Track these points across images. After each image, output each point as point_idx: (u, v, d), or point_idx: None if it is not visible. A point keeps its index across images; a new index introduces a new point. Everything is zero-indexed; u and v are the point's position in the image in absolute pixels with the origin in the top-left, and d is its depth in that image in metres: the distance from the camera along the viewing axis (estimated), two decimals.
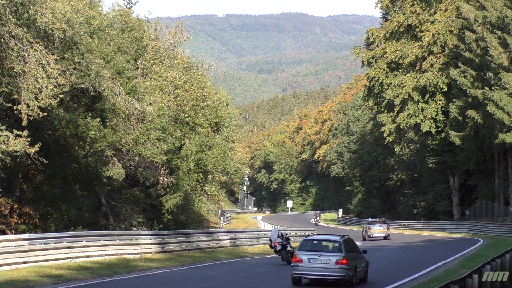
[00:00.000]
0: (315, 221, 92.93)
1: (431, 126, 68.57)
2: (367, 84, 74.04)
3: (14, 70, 25.76)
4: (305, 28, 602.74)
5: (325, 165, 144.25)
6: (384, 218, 67.47)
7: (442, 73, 66.70)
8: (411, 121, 68.62)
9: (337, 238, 21.98)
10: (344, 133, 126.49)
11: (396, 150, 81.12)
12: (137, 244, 30.83)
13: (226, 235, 39.93)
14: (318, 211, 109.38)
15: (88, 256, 26.99)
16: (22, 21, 26.00)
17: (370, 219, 63.98)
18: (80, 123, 32.05)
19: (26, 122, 25.89)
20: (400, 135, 73.97)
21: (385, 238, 57.46)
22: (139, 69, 45.21)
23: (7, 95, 26.68)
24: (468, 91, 57.78)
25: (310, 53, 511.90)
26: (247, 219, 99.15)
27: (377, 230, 58.41)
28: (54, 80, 26.00)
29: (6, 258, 22.97)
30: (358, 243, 32.28)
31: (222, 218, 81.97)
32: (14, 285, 19.57)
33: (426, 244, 46.50)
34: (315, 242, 22.17)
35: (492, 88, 52.46)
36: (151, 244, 31.73)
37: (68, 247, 26.07)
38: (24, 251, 23.79)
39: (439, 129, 68.63)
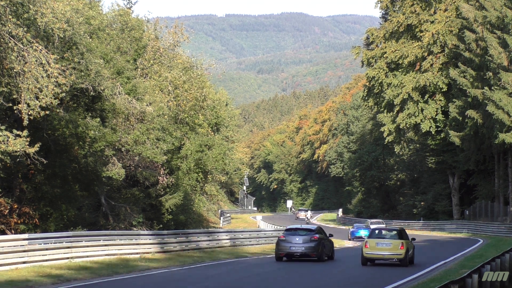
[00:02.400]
0: (292, 212, 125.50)
1: (430, 126, 68.61)
2: (367, 84, 74.07)
3: (14, 70, 25.76)
4: (305, 28, 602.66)
5: (325, 165, 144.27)
6: (308, 209, 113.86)
7: (441, 73, 66.74)
8: (411, 121, 68.65)
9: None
10: (343, 133, 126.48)
11: (395, 150, 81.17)
12: (137, 244, 30.82)
13: (226, 235, 39.93)
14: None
15: (87, 256, 26.97)
16: (22, 21, 26.00)
17: (299, 209, 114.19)
18: (79, 123, 32.05)
19: (27, 122, 25.89)
20: (399, 135, 74.01)
21: (308, 219, 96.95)
22: (139, 69, 45.22)
23: (7, 95, 26.68)
24: (467, 91, 57.81)
25: (310, 53, 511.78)
26: (247, 219, 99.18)
27: (302, 214, 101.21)
28: (54, 80, 26.01)
29: (6, 258, 22.96)
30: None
31: (221, 218, 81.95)
32: (14, 285, 19.56)
33: (426, 244, 46.50)
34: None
35: (492, 88, 52.48)
36: (151, 244, 31.72)
37: (68, 247, 26.06)
38: (24, 251, 23.78)
39: (439, 129, 68.67)
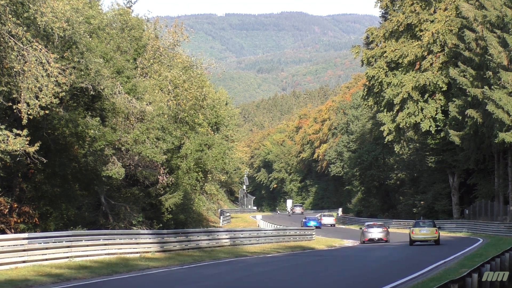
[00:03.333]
0: (277, 213, 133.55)
1: (430, 125, 68.59)
2: (367, 83, 74.07)
3: (14, 69, 25.75)
4: (305, 27, 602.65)
5: (325, 164, 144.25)
6: (302, 204, 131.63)
7: (441, 72, 66.72)
8: (411, 120, 68.63)
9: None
10: (343, 132, 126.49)
11: (395, 149, 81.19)
12: (137, 243, 30.82)
13: (226, 234, 39.93)
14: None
15: (87, 255, 26.97)
16: (21, 20, 26.00)
17: (293, 205, 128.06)
18: (79, 122, 32.06)
19: (26, 121, 25.88)
20: (399, 134, 74.01)
21: (302, 213, 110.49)
22: (139, 68, 45.21)
23: (7, 94, 26.69)
24: (467, 90, 57.80)
25: (310, 52, 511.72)
26: (247, 218, 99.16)
27: (297, 209, 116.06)
28: (54, 79, 26.01)
29: (6, 257, 22.96)
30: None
31: (221, 217, 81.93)
32: (14, 284, 19.56)
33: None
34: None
35: (492, 87, 52.48)
36: (151, 243, 31.72)
37: (68, 246, 26.06)
38: (24, 250, 23.78)
39: (439, 128, 68.65)
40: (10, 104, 26.68)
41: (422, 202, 77.54)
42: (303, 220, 77.38)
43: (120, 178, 37.37)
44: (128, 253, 29.63)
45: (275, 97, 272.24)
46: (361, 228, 55.07)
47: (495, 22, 54.94)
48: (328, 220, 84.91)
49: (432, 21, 67.31)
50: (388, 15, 72.28)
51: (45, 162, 28.50)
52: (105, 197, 39.41)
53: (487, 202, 63.34)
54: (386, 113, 71.52)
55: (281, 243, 45.43)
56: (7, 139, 25.52)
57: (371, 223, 54.80)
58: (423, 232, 43.11)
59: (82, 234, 27.80)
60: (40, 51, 25.78)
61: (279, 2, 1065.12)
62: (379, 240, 48.56)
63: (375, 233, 49.16)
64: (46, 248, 24.94)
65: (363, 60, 72.42)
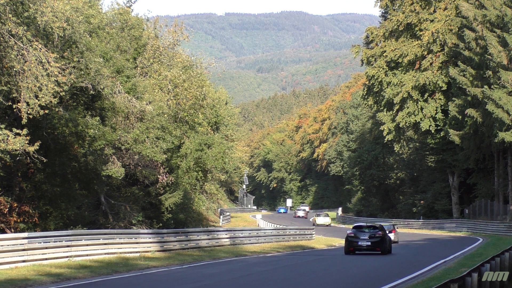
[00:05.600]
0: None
1: (430, 125, 68.60)
2: (367, 82, 74.11)
3: (14, 69, 25.74)
4: (305, 26, 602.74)
5: (325, 164, 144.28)
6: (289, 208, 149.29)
7: (441, 72, 66.73)
8: (411, 119, 68.64)
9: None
10: (343, 131, 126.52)
11: (395, 148, 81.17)
12: (137, 243, 30.80)
13: (226, 234, 39.90)
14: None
15: (87, 255, 26.95)
16: (21, 19, 26.00)
17: (280, 207, 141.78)
18: (79, 121, 32.05)
19: (26, 121, 25.88)
20: (399, 134, 74.03)
21: (285, 213, 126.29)
22: (139, 68, 45.20)
23: (7, 94, 26.67)
24: (467, 90, 57.81)
25: (310, 52, 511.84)
26: (247, 218, 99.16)
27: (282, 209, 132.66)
28: (54, 79, 26.01)
29: (6, 256, 22.94)
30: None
31: (221, 216, 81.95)
32: (14, 284, 19.55)
33: (426, 242, 46.53)
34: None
35: (492, 86, 52.49)
36: (151, 242, 31.70)
37: (68, 246, 26.04)
38: (24, 249, 23.76)
39: (439, 127, 68.66)
40: (10, 103, 26.67)
41: (422, 202, 77.58)
42: (276, 209, 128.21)
43: (120, 178, 37.37)
44: (128, 252, 29.61)
45: (275, 96, 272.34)
46: (293, 211, 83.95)
47: (495, 21, 54.95)
48: (300, 213, 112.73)
49: (432, 21, 67.32)
50: (388, 15, 72.30)
51: (45, 161, 28.49)
52: (105, 197, 39.41)
53: (487, 201, 63.37)
54: (386, 112, 71.54)
55: (281, 242, 45.42)
56: (7, 139, 25.51)
57: (299, 208, 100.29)
58: (323, 219, 79.41)
59: (82, 233, 27.78)
60: (40, 51, 25.78)
61: (279, 2, 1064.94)
62: (302, 217, 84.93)
63: (301, 212, 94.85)
64: (46, 248, 24.92)
65: (363, 59, 72.43)
